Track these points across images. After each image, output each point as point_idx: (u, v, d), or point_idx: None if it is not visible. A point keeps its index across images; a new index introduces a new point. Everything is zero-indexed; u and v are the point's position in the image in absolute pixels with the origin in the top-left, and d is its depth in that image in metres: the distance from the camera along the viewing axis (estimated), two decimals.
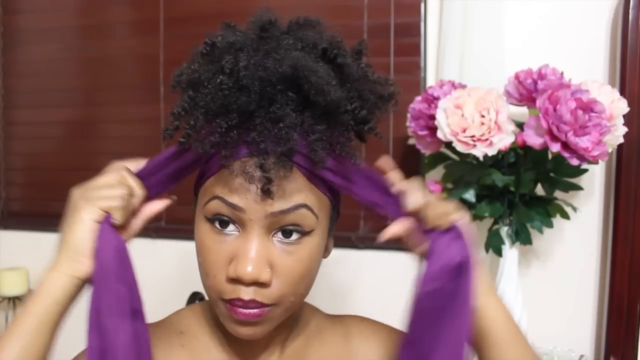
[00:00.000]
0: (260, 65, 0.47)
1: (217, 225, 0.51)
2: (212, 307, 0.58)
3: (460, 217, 0.53)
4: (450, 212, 0.53)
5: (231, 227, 0.51)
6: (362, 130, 0.53)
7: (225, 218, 0.50)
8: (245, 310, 0.50)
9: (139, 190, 0.53)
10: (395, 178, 0.55)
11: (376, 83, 0.53)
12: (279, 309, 0.52)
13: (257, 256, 0.49)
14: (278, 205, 0.49)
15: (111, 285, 0.49)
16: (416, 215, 0.54)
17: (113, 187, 0.51)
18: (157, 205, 0.56)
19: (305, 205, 0.50)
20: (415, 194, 0.53)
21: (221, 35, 0.51)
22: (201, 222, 0.53)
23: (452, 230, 0.52)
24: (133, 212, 0.54)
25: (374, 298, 1.22)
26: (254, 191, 0.48)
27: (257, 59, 0.48)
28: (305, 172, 0.50)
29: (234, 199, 0.49)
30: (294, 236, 0.51)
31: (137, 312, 0.51)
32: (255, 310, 0.50)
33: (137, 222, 0.55)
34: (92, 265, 0.49)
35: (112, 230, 0.50)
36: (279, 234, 0.51)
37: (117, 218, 0.50)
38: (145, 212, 0.55)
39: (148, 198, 0.55)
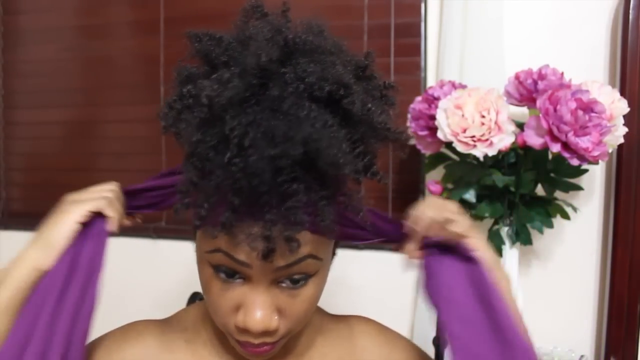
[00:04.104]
0: (269, 138, 0.42)
1: (223, 275, 0.50)
2: None
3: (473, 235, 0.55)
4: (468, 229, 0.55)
5: (236, 275, 0.50)
6: (363, 177, 0.49)
7: (231, 270, 0.49)
8: (256, 349, 0.51)
9: (120, 201, 0.57)
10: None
11: (382, 129, 0.49)
12: (287, 337, 0.53)
13: (264, 307, 0.48)
14: (284, 260, 0.47)
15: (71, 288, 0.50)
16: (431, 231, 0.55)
17: (100, 192, 0.55)
18: (127, 222, 0.59)
19: (310, 256, 0.49)
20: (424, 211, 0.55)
21: (217, 82, 0.44)
22: (204, 265, 0.51)
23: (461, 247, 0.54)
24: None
25: (373, 298, 1.22)
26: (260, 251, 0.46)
27: (265, 126, 0.43)
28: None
29: (240, 256, 0.47)
30: (300, 282, 0.50)
31: (80, 316, 0.50)
32: (265, 347, 0.51)
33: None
34: (57, 259, 0.51)
35: (100, 234, 0.53)
36: (285, 280, 0.50)
37: (110, 213, 0.54)
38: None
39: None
